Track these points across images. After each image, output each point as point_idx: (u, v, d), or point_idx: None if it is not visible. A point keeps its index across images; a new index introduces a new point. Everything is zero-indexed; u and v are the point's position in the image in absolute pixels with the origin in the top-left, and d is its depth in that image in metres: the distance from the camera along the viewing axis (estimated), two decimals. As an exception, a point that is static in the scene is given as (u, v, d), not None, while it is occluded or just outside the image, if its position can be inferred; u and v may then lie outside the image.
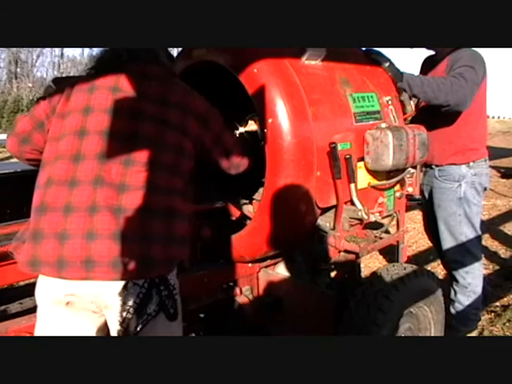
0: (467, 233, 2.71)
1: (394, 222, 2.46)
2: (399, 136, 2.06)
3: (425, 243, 4.93)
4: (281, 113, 1.87)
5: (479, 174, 2.68)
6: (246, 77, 1.95)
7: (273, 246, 2.12)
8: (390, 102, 2.31)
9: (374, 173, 2.17)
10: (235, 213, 2.23)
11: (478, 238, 2.76)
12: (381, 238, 2.50)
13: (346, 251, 2.11)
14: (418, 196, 2.73)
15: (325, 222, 2.16)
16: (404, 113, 2.44)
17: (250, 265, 2.37)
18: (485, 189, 2.77)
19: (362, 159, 2.14)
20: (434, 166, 2.76)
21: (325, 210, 2.13)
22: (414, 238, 5.06)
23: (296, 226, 2.03)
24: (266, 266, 2.50)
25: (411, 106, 2.43)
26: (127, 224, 1.38)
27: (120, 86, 1.50)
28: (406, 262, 2.51)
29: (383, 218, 2.35)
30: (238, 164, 1.75)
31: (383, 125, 2.09)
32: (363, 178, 2.17)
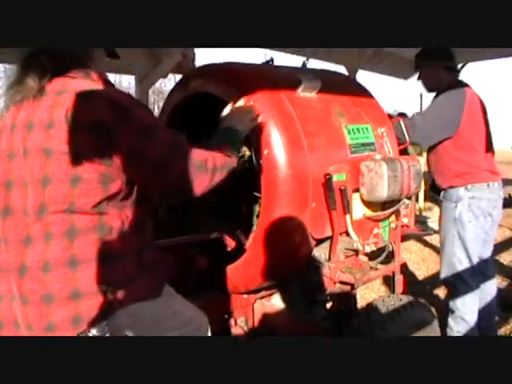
0: (460, 256, 2.73)
1: (390, 253, 2.45)
2: (394, 167, 2.07)
3: (420, 274, 4.93)
4: (276, 144, 1.88)
5: (478, 198, 2.71)
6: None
7: (267, 278, 2.10)
8: (384, 134, 2.33)
9: (369, 204, 2.18)
10: (230, 243, 2.22)
11: (473, 265, 2.74)
12: (376, 269, 2.50)
13: (342, 282, 2.09)
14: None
15: (320, 252, 2.16)
16: (399, 144, 2.46)
17: (245, 296, 2.34)
18: (490, 215, 2.76)
19: (357, 190, 2.14)
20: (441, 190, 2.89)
21: (320, 241, 2.12)
22: (410, 268, 5.04)
23: (291, 257, 2.02)
24: (262, 297, 2.47)
25: (405, 136, 2.46)
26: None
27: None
28: (402, 293, 2.49)
29: (378, 248, 2.34)
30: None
31: (378, 156, 2.10)
32: (358, 209, 2.17)
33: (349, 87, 2.36)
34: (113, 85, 1.47)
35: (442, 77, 2.84)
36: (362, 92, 2.42)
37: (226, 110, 1.77)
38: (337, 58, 8.34)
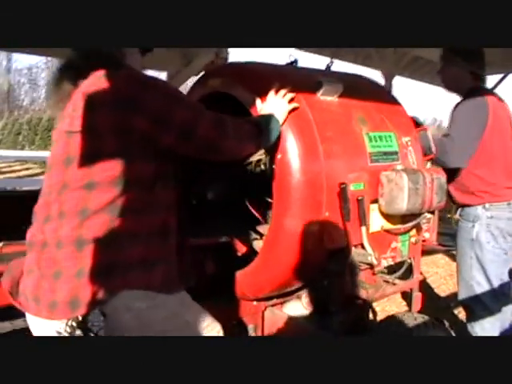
0: (478, 279, 2.56)
1: (408, 269, 2.33)
2: (415, 179, 1.96)
3: (446, 289, 4.74)
4: (290, 149, 1.80)
5: (497, 217, 2.53)
6: (257, 111, 1.89)
7: (276, 287, 2.03)
8: (409, 143, 2.22)
9: (387, 216, 2.07)
10: (241, 248, 2.15)
11: (493, 288, 2.56)
12: (394, 284, 2.39)
13: (355, 296, 2.00)
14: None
15: (335, 264, 2.06)
16: (425, 154, 2.34)
17: (254, 303, 2.27)
18: (510, 235, 2.58)
19: (375, 201, 2.04)
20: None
21: (334, 252, 2.03)
22: (436, 283, 4.86)
23: (301, 267, 1.93)
24: (273, 305, 2.40)
25: (431, 147, 2.33)
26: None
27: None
28: (420, 311, 2.37)
29: (396, 263, 2.23)
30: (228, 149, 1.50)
31: (399, 167, 1.99)
32: (376, 221, 2.07)
33: (373, 92, 2.26)
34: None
35: (464, 80, 2.65)
36: (387, 98, 2.31)
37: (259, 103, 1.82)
38: (374, 64, 8.19)
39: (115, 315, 1.34)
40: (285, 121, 1.78)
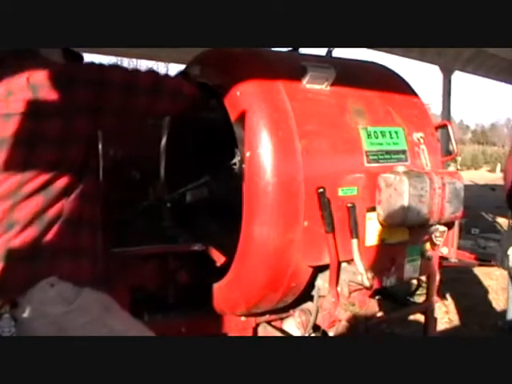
0: None
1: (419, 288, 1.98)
2: (419, 184, 1.61)
3: (496, 305, 4.22)
4: (260, 145, 1.52)
5: None
6: (229, 100, 1.64)
7: (253, 304, 1.75)
8: (421, 140, 1.86)
9: (388, 227, 1.73)
10: (219, 258, 1.89)
11: None
12: (405, 306, 2.04)
13: (340, 320, 1.68)
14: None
15: (324, 281, 1.76)
16: (445, 154, 1.97)
17: (242, 318, 2.00)
18: None
19: (373, 209, 1.71)
20: None
21: (322, 269, 1.73)
22: (486, 298, 4.35)
23: (275, 285, 1.65)
24: (270, 321, 2.12)
25: (453, 145, 1.96)
26: None
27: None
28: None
29: (403, 282, 1.88)
30: None
31: (400, 168, 1.65)
32: (375, 233, 1.73)
33: (380, 80, 1.92)
34: None
35: None
36: (398, 87, 1.96)
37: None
38: (431, 58, 7.63)
39: (28, 321, 1.23)
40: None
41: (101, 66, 1.39)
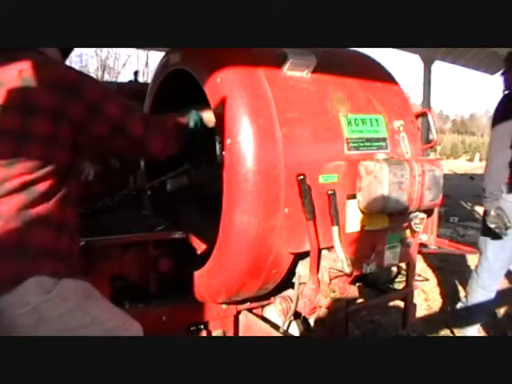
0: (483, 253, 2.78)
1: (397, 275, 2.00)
2: (399, 171, 1.62)
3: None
4: (241, 133, 1.51)
5: None
6: (209, 87, 1.62)
7: (234, 291, 1.75)
8: (402, 128, 1.87)
9: (368, 214, 1.74)
10: (200, 246, 1.88)
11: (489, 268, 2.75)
12: (385, 293, 2.06)
13: (320, 306, 1.70)
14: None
15: (304, 268, 1.77)
16: (425, 143, 1.99)
17: (223, 306, 2.00)
18: None
19: (354, 196, 1.72)
20: None
21: (302, 256, 1.73)
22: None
23: (259, 271, 1.66)
24: (251, 309, 2.13)
25: (433, 133, 1.97)
26: None
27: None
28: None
29: (383, 269, 1.90)
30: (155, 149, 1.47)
31: (380, 155, 1.66)
32: (355, 220, 1.75)
33: (362, 68, 1.92)
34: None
35: None
36: (379, 75, 1.96)
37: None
38: (412, 48, 7.65)
39: (9, 310, 1.21)
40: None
41: (105, 92, 1.37)
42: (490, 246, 2.70)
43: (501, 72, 2.82)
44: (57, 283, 1.25)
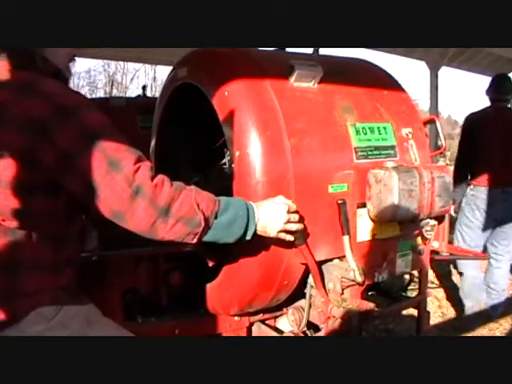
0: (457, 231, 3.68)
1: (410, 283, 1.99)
2: (408, 179, 1.62)
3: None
4: (249, 144, 1.52)
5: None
6: (217, 100, 1.63)
7: (246, 303, 1.75)
8: (410, 135, 1.87)
9: (380, 223, 1.74)
10: (211, 258, 1.89)
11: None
12: (398, 301, 2.05)
13: (333, 317, 1.69)
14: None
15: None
16: (434, 149, 1.99)
17: (236, 318, 2.00)
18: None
19: (364, 205, 1.72)
20: None
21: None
22: None
23: (270, 282, 1.65)
24: (264, 320, 2.12)
25: (442, 140, 1.97)
26: None
27: None
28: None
29: (395, 277, 1.89)
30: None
31: (389, 164, 1.66)
32: (366, 229, 1.74)
33: (368, 77, 1.93)
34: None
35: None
36: (386, 83, 1.97)
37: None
38: (418, 55, 7.65)
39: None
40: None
41: (83, 138, 1.14)
42: None
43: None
44: (58, 309, 1.24)
